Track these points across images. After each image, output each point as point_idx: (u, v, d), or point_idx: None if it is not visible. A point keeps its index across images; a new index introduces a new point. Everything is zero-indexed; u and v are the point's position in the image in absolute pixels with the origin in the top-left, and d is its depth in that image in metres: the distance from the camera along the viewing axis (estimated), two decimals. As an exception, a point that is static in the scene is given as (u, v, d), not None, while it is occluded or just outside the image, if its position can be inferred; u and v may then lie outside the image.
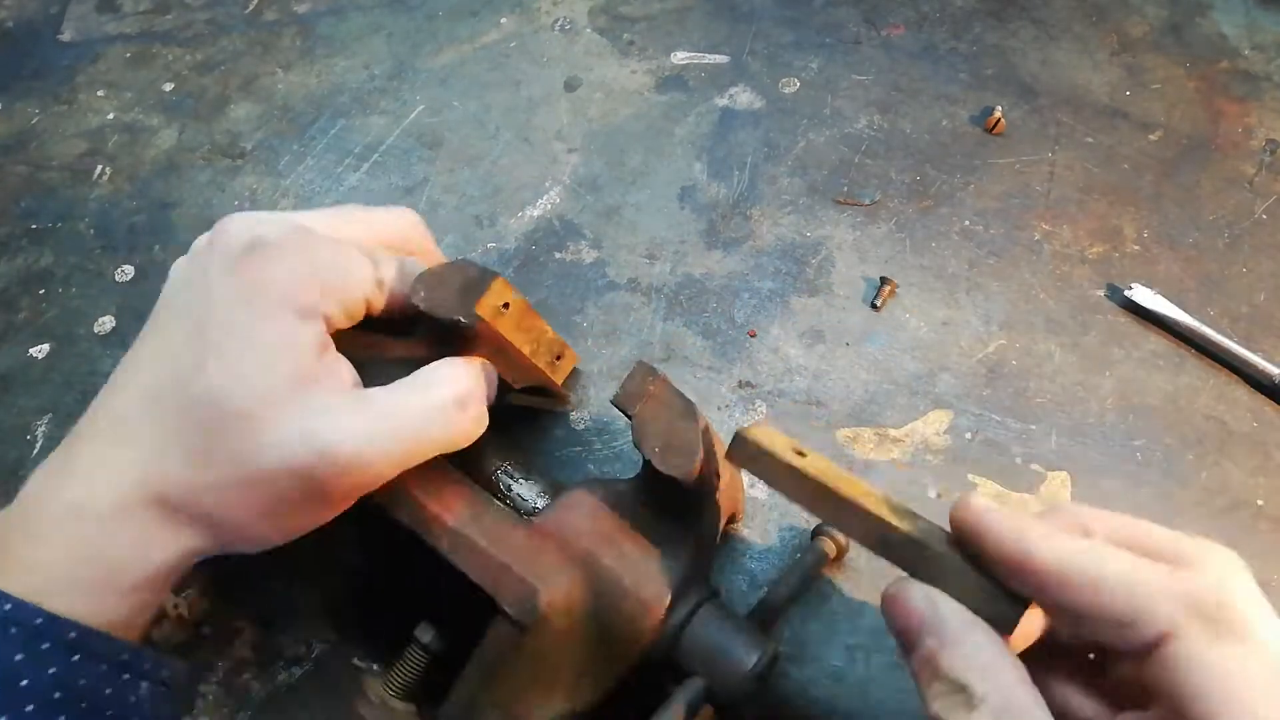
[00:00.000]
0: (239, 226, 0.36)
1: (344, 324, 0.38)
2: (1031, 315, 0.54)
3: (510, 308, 0.42)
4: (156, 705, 0.34)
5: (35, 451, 0.55)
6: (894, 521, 0.32)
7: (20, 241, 0.66)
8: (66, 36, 0.77)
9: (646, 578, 0.38)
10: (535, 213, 0.62)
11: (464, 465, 0.44)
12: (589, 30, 0.71)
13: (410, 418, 0.36)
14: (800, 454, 0.35)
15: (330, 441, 0.33)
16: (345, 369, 0.37)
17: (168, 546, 0.34)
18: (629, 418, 0.38)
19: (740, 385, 0.54)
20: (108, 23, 0.77)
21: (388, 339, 0.43)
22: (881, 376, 0.53)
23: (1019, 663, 0.28)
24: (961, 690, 0.27)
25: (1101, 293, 0.55)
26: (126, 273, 0.63)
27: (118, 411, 0.36)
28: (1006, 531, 0.29)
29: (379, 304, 0.39)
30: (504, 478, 0.45)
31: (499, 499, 0.43)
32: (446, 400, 0.37)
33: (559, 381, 0.48)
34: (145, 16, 0.77)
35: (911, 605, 0.30)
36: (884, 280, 0.56)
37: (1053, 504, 0.39)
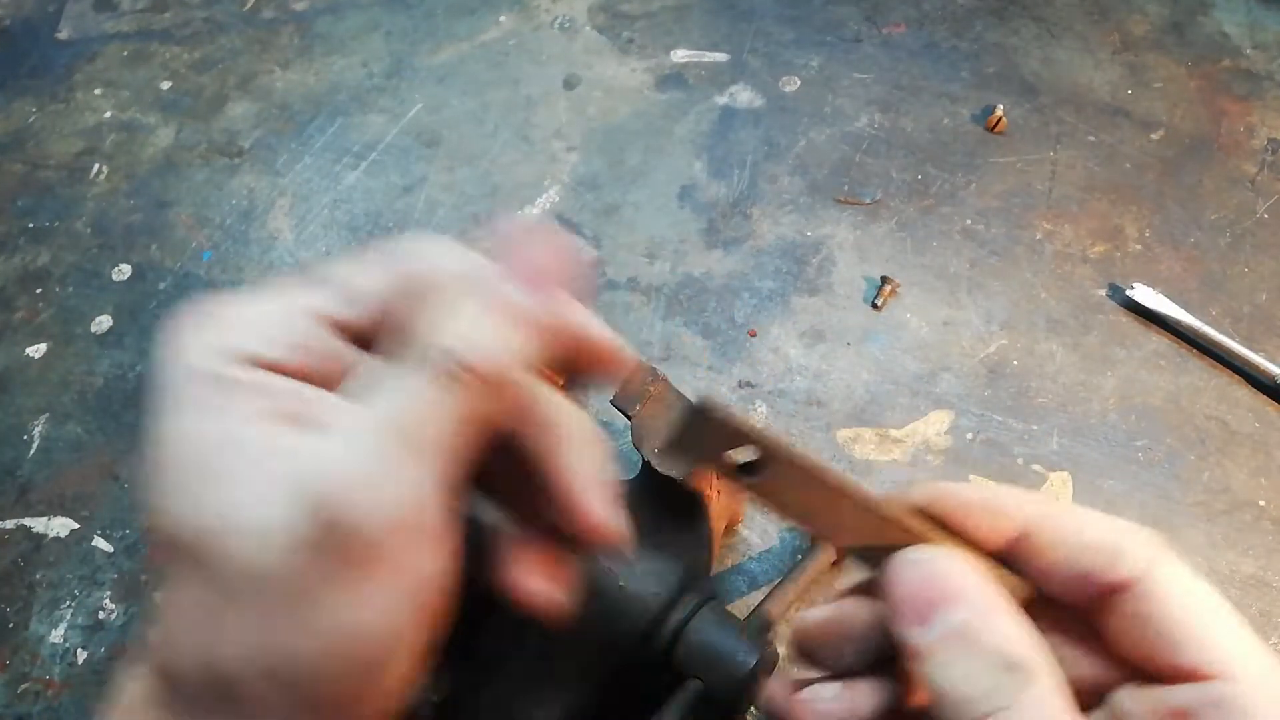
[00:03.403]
0: None
1: (289, 359, 0.25)
2: (1033, 315, 0.54)
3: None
4: None
5: (32, 451, 0.55)
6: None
7: (17, 240, 0.65)
8: (64, 35, 0.77)
9: (645, 579, 0.38)
10: (534, 211, 0.62)
11: None
12: (588, 28, 0.70)
13: (381, 411, 0.24)
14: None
15: (309, 474, 0.23)
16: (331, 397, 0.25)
17: None
18: (629, 418, 0.38)
19: (740, 385, 0.53)
20: (105, 21, 0.77)
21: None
22: (882, 376, 0.53)
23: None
24: (1012, 667, 0.23)
25: (1103, 292, 0.55)
26: (124, 272, 0.63)
27: None
28: (978, 497, 0.27)
29: (359, 314, 0.25)
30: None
31: None
32: (410, 376, 0.23)
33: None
34: (143, 15, 0.77)
35: (935, 570, 0.25)
36: (885, 280, 0.55)
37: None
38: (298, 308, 0.25)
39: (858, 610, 0.29)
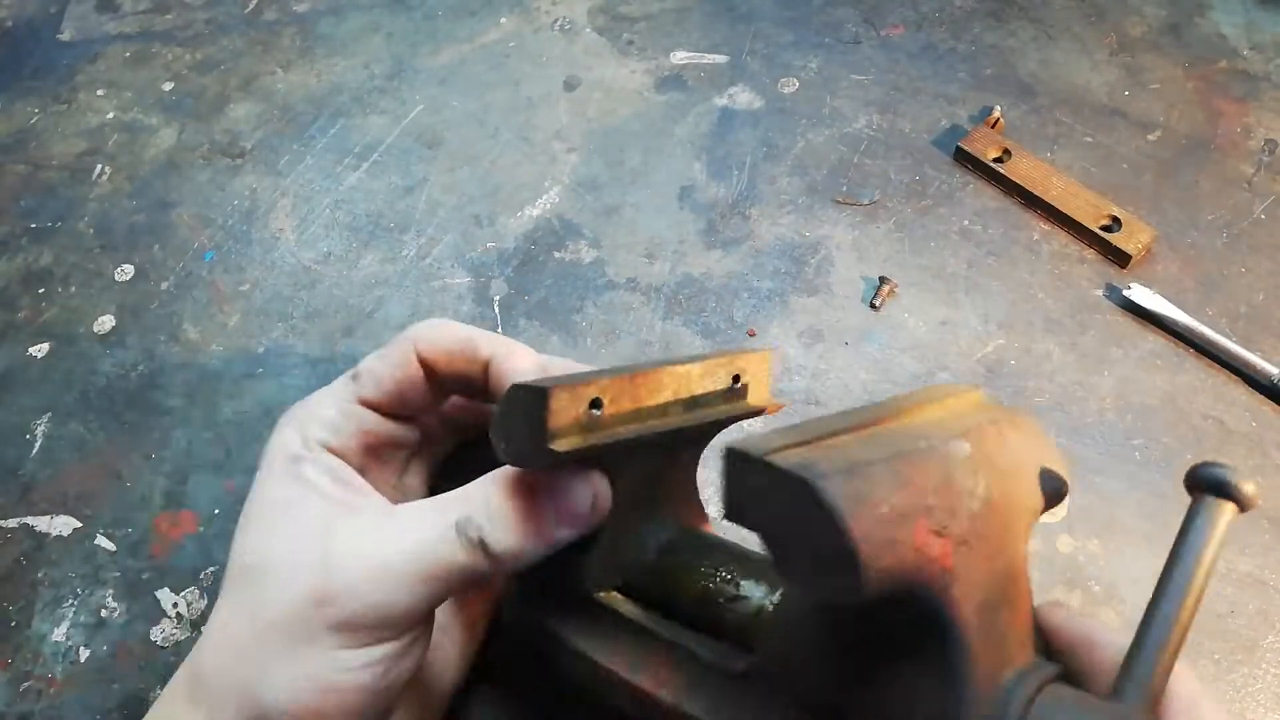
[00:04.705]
0: None
1: (344, 441, 0.36)
2: (1030, 315, 0.54)
3: (613, 392, 0.30)
4: None
5: (34, 450, 0.55)
6: None
7: (20, 240, 0.66)
8: (66, 36, 0.77)
9: (933, 685, 0.25)
10: (535, 212, 0.62)
11: (667, 589, 0.35)
12: (588, 30, 0.71)
13: (409, 543, 0.31)
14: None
15: (336, 563, 0.30)
16: (372, 492, 0.35)
17: None
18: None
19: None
20: (107, 22, 0.77)
21: None
22: (880, 376, 0.53)
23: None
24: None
25: (1100, 292, 0.55)
26: (126, 272, 0.63)
27: None
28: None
29: (381, 394, 0.36)
30: (722, 586, 0.33)
31: (718, 614, 0.33)
32: (441, 527, 0.31)
33: (757, 404, 0.36)
34: (145, 16, 0.77)
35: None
36: (883, 280, 0.56)
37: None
38: (347, 398, 0.36)
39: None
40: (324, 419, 0.35)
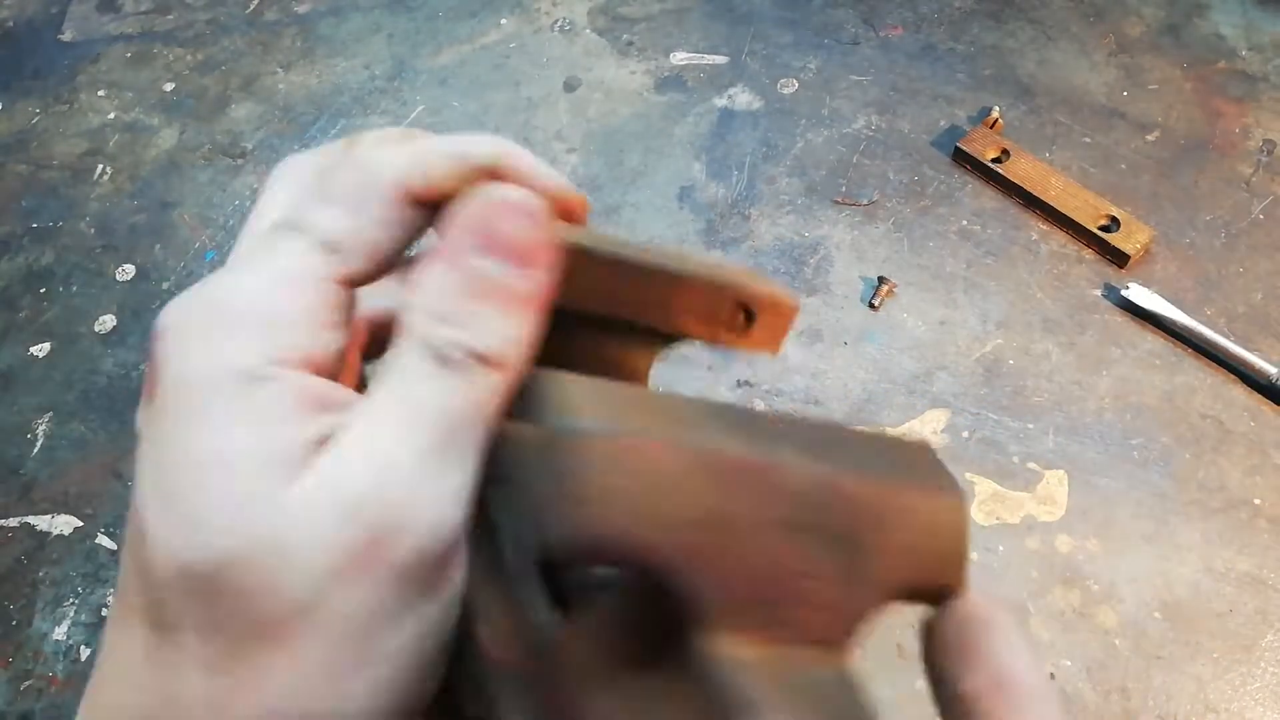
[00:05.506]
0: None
1: (330, 347, 0.21)
2: (1029, 314, 0.55)
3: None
4: None
5: (35, 450, 0.56)
6: None
7: (21, 240, 0.66)
8: (67, 36, 0.77)
9: None
10: (534, 212, 0.62)
11: None
12: (588, 31, 0.71)
13: (417, 422, 0.19)
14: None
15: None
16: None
17: None
18: None
19: (739, 384, 0.54)
20: (108, 23, 0.78)
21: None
22: (879, 376, 0.53)
23: None
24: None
25: (1099, 292, 0.55)
26: (127, 272, 0.63)
27: None
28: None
29: (373, 267, 0.21)
30: None
31: None
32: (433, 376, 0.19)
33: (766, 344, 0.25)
34: (146, 16, 0.77)
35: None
36: (882, 280, 0.56)
37: None
38: (326, 276, 0.21)
39: None
40: (295, 319, 0.20)
